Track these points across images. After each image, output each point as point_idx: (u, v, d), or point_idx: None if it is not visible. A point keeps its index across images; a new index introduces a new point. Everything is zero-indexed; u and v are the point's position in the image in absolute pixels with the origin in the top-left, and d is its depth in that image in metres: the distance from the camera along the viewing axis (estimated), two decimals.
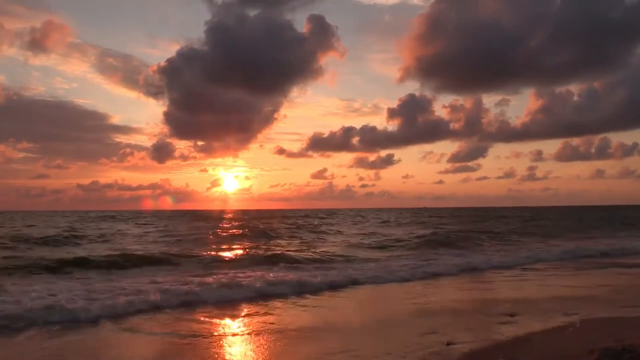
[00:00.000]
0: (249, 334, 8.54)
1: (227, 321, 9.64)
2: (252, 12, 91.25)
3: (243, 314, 10.31)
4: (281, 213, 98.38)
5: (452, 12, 66.85)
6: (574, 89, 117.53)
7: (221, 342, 8.05)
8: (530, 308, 10.50)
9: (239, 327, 9.13)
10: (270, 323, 9.25)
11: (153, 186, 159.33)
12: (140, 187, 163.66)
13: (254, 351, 7.48)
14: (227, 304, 11.22)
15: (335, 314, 10.44)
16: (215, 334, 8.60)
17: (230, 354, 7.36)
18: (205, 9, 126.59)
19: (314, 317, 10.08)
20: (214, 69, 67.99)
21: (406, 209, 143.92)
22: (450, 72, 72.15)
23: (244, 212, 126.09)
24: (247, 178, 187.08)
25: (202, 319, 9.80)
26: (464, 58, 65.30)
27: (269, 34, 63.08)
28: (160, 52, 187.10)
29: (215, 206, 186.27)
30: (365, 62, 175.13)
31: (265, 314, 10.19)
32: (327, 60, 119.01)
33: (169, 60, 75.71)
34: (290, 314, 10.27)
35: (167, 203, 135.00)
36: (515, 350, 7.22)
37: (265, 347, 7.67)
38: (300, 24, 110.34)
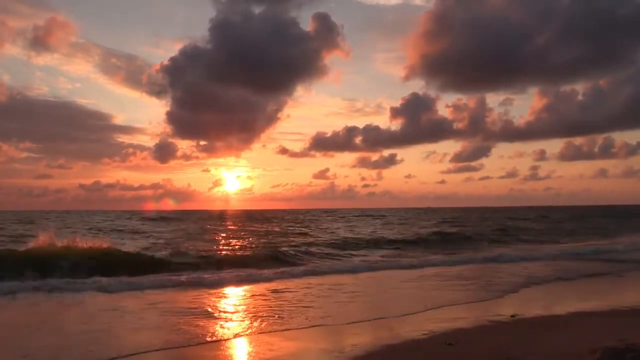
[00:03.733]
0: None
1: None
2: (257, 10, 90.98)
3: None
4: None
5: (457, 10, 66.50)
6: (580, 87, 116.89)
7: None
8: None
9: None
10: None
11: (155, 186, 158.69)
12: (142, 187, 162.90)
13: None
14: None
15: None
16: None
17: None
18: (209, 8, 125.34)
19: None
20: (217, 67, 67.47)
21: (410, 209, 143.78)
22: (456, 69, 71.66)
23: (247, 212, 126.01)
24: (249, 178, 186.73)
25: None
26: (470, 56, 64.78)
27: (274, 32, 62.75)
28: (164, 51, 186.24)
29: (217, 206, 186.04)
30: (367, 61, 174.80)
31: None
32: (330, 59, 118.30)
33: (172, 59, 75.31)
34: None
35: (169, 203, 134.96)
36: (517, 350, 7.17)
37: None
38: (304, 21, 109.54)
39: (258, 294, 12.55)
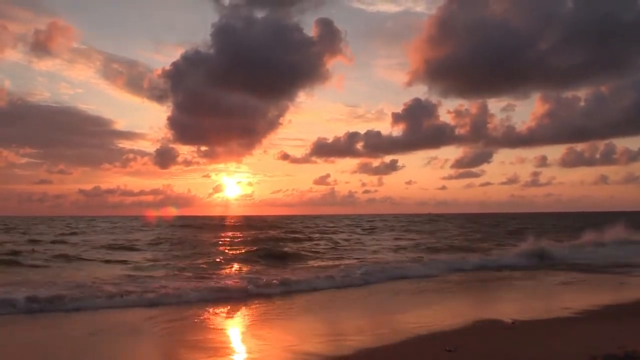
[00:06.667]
0: None
1: None
2: (260, 14, 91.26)
3: None
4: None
5: (460, 16, 66.57)
6: (582, 93, 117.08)
7: None
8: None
9: None
10: None
11: (155, 192, 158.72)
12: (142, 193, 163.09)
13: None
14: None
15: None
16: None
17: None
18: (211, 13, 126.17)
19: None
20: (219, 72, 67.27)
21: (410, 215, 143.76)
22: (458, 75, 71.73)
23: (247, 218, 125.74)
24: (249, 184, 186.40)
25: None
26: (472, 61, 64.75)
27: (276, 37, 62.60)
28: (166, 56, 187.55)
29: (217, 212, 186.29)
30: (369, 67, 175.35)
31: None
32: (332, 64, 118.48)
33: (174, 64, 75.58)
34: None
35: (169, 209, 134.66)
36: (517, 356, 7.24)
37: None
38: (306, 26, 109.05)
39: None
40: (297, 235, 41.62)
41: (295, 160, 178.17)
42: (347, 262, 21.69)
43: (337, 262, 21.46)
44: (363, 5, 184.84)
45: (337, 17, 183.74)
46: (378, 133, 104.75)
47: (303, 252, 25.81)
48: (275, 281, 14.96)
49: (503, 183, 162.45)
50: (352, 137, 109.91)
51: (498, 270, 19.49)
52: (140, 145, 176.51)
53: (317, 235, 43.11)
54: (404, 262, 20.54)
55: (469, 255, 23.72)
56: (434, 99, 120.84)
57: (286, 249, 27.39)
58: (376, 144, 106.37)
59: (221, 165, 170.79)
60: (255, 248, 27.24)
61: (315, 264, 21.27)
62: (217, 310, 11.55)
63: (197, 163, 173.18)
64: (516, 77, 70.28)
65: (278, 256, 23.75)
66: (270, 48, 62.49)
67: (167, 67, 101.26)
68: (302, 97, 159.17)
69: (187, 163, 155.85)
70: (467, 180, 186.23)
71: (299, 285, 14.68)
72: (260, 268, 19.88)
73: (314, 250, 27.87)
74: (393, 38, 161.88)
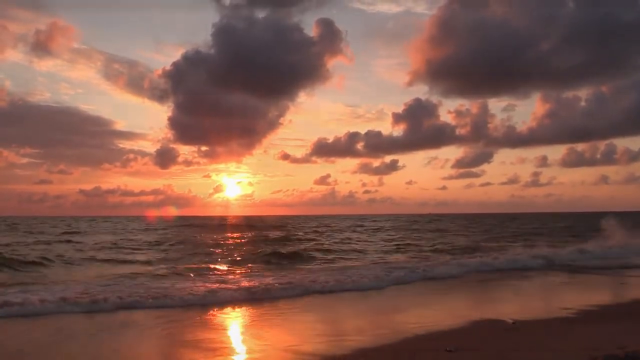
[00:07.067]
0: None
1: None
2: (261, 14, 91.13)
3: None
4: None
5: (460, 16, 66.56)
6: (582, 93, 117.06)
7: None
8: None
9: None
10: None
11: (155, 192, 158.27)
12: (142, 193, 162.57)
13: None
14: None
15: None
16: None
17: None
18: (212, 13, 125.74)
19: None
20: (220, 72, 67.20)
21: (411, 215, 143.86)
22: (459, 75, 71.64)
23: (247, 218, 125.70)
24: (249, 184, 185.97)
25: None
26: (473, 61, 64.65)
27: (277, 37, 62.64)
28: (166, 57, 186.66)
29: (217, 212, 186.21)
30: (369, 68, 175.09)
31: None
32: (333, 64, 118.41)
33: (175, 64, 75.62)
34: None
35: (170, 209, 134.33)
36: (517, 356, 7.25)
37: None
38: (307, 26, 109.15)
39: None
40: (299, 235, 41.66)
41: (295, 160, 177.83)
42: (350, 263, 21.72)
43: (341, 263, 21.50)
44: (363, 5, 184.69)
45: (337, 17, 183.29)
46: (378, 133, 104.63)
47: (307, 253, 25.81)
48: (278, 282, 14.96)
49: (503, 183, 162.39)
50: (353, 137, 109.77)
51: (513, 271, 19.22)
52: (141, 145, 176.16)
53: (319, 235, 43.09)
54: (414, 264, 20.34)
55: (475, 256, 23.54)
56: (434, 99, 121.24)
57: (290, 249, 27.39)
58: (376, 144, 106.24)
59: (221, 166, 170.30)
60: (258, 249, 27.30)
61: (319, 265, 21.28)
62: (218, 311, 11.58)
63: (198, 163, 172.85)
64: (517, 77, 70.32)
65: (282, 256, 23.78)
66: (271, 48, 62.59)
67: (168, 67, 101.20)
68: (303, 97, 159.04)
69: (187, 163, 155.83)
70: (467, 181, 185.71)
71: (301, 286, 14.62)
72: (262, 268, 19.93)
73: (317, 249, 27.91)
74: (393, 38, 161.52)
